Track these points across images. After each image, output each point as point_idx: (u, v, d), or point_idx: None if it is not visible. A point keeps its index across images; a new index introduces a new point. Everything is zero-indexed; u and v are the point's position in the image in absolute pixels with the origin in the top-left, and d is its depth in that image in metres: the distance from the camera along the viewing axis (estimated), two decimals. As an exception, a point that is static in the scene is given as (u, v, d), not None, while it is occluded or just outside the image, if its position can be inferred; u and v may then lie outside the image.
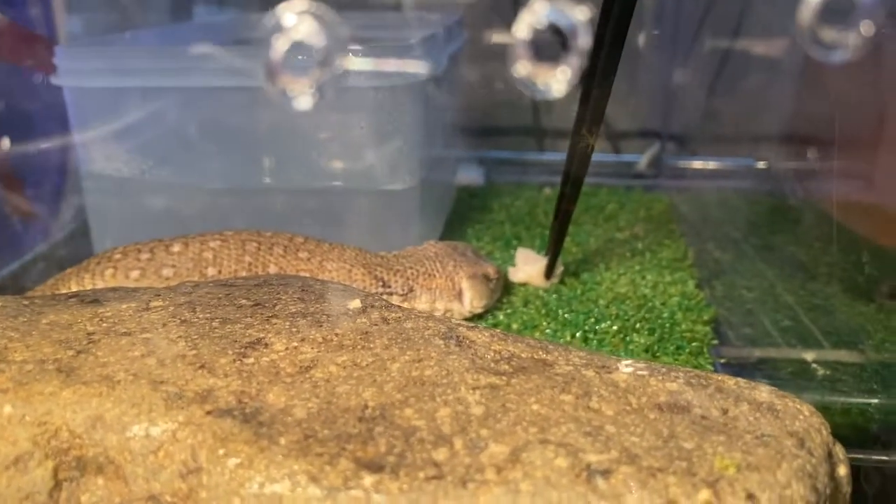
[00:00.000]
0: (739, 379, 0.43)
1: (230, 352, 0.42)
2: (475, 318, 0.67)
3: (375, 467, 0.34)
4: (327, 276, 0.62)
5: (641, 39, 1.05)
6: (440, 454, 0.35)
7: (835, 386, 0.60)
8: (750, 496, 0.33)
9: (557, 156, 1.07)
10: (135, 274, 0.61)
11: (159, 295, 0.50)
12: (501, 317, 0.68)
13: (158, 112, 0.68)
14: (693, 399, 0.40)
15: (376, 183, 0.69)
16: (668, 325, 0.66)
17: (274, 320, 0.46)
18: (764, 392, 0.41)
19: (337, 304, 0.49)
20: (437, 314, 0.61)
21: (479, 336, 0.45)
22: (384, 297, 0.62)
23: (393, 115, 0.67)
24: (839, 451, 0.40)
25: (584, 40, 0.27)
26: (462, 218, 0.92)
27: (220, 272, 0.61)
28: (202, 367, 0.41)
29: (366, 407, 0.38)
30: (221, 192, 0.71)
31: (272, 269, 0.62)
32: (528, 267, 0.73)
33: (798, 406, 0.40)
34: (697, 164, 1.08)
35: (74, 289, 0.62)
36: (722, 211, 0.99)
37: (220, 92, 0.67)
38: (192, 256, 0.62)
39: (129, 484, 0.37)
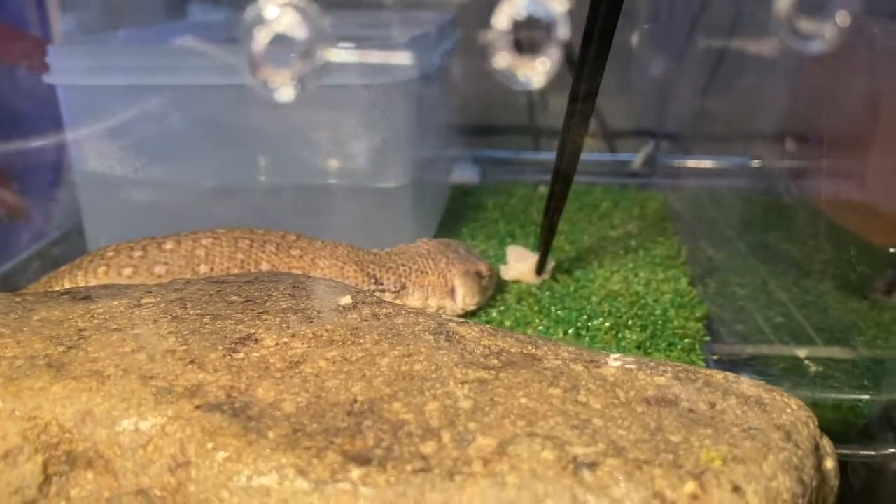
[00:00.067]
0: (728, 373, 0.43)
1: (220, 347, 0.43)
2: (468, 315, 0.67)
3: (363, 460, 0.34)
4: (320, 274, 0.63)
5: (635, 38, 1.05)
6: (428, 447, 0.35)
7: (826, 382, 0.61)
8: (736, 488, 0.34)
9: (553, 155, 1.07)
10: (127, 271, 0.61)
11: (151, 292, 0.50)
12: (494, 314, 0.68)
13: (151, 110, 0.68)
14: (681, 393, 0.40)
15: (368, 181, 0.70)
16: (660, 321, 0.66)
17: (265, 316, 0.46)
18: (752, 386, 0.42)
19: (327, 300, 0.49)
20: (430, 311, 0.61)
21: (469, 331, 0.45)
22: (377, 294, 0.62)
23: (385, 114, 0.67)
24: (826, 444, 0.40)
25: (563, 31, 0.28)
26: (457, 216, 0.92)
27: (212, 269, 0.62)
28: (192, 362, 0.41)
29: (355, 401, 0.38)
30: (214, 190, 0.71)
31: (264, 267, 0.62)
32: (519, 264, 0.73)
33: (785, 400, 0.41)
34: (692, 162, 1.08)
35: (67, 286, 0.62)
36: (716, 209, 0.99)
37: (212, 89, 0.67)
38: (184, 254, 0.62)
39: (119, 478, 0.37)
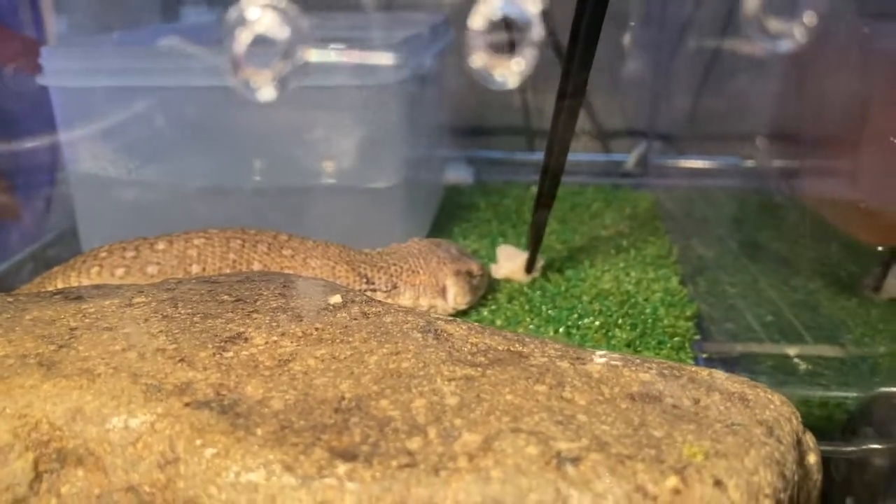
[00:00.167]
0: (712, 370, 0.43)
1: (210, 346, 0.43)
2: (459, 314, 0.68)
3: (349, 456, 0.35)
4: (311, 273, 0.63)
5: (627, 39, 1.06)
6: (414, 443, 0.36)
7: (815, 380, 0.61)
8: (717, 482, 0.34)
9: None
10: (120, 272, 0.62)
11: (142, 291, 0.51)
12: (486, 313, 0.69)
13: (144, 112, 0.69)
14: (665, 389, 0.40)
15: (360, 181, 0.70)
16: (650, 320, 0.67)
17: (255, 315, 0.47)
18: (736, 382, 0.42)
19: (317, 299, 0.49)
20: (421, 310, 0.61)
21: (457, 329, 0.46)
22: (368, 293, 0.62)
23: (376, 114, 0.67)
24: (809, 439, 0.41)
25: (538, 32, 0.28)
26: (450, 216, 0.93)
27: (204, 269, 0.62)
28: (182, 360, 0.41)
29: (342, 398, 0.39)
30: (207, 191, 0.72)
31: (256, 267, 0.62)
32: (509, 263, 0.74)
33: (769, 396, 0.41)
34: (684, 162, 1.08)
35: (60, 286, 0.62)
36: (707, 208, 1.00)
37: (205, 91, 0.68)
38: (176, 254, 0.62)
39: (109, 475, 0.38)
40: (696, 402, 0.40)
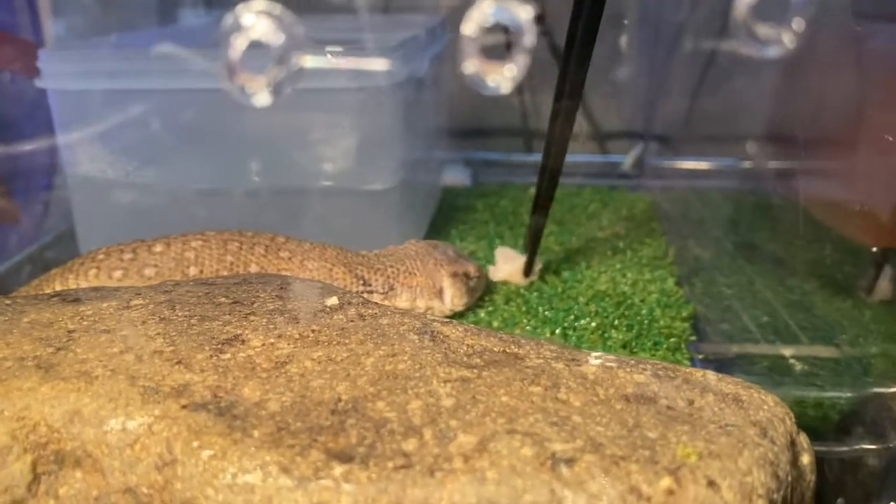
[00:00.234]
0: (707, 371, 0.44)
1: (207, 348, 0.43)
2: (456, 315, 0.68)
3: (345, 458, 0.35)
4: (308, 276, 0.63)
5: (624, 41, 1.06)
6: (410, 444, 0.36)
7: (810, 380, 0.61)
8: (711, 483, 0.34)
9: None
10: (118, 274, 0.62)
11: (140, 294, 0.51)
12: (483, 314, 0.69)
13: (142, 114, 0.69)
14: (659, 390, 0.41)
15: (357, 183, 0.70)
16: (646, 321, 0.67)
17: (252, 317, 0.47)
18: (730, 383, 0.42)
19: (314, 301, 0.50)
20: (418, 312, 0.62)
21: (453, 331, 0.46)
22: (365, 295, 0.63)
23: (373, 117, 0.67)
24: (803, 440, 0.41)
25: (529, 38, 0.28)
26: (447, 218, 0.93)
27: (201, 271, 0.62)
28: (179, 362, 0.42)
29: (339, 400, 0.39)
30: (204, 194, 0.72)
31: (253, 269, 0.63)
32: (507, 265, 0.74)
33: (763, 397, 0.41)
34: (680, 163, 1.09)
35: (58, 288, 0.62)
36: (703, 210, 1.00)
37: (202, 94, 0.68)
38: (174, 256, 0.62)
39: (107, 477, 0.38)
40: (691, 403, 0.40)
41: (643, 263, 0.79)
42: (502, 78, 0.29)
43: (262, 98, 0.33)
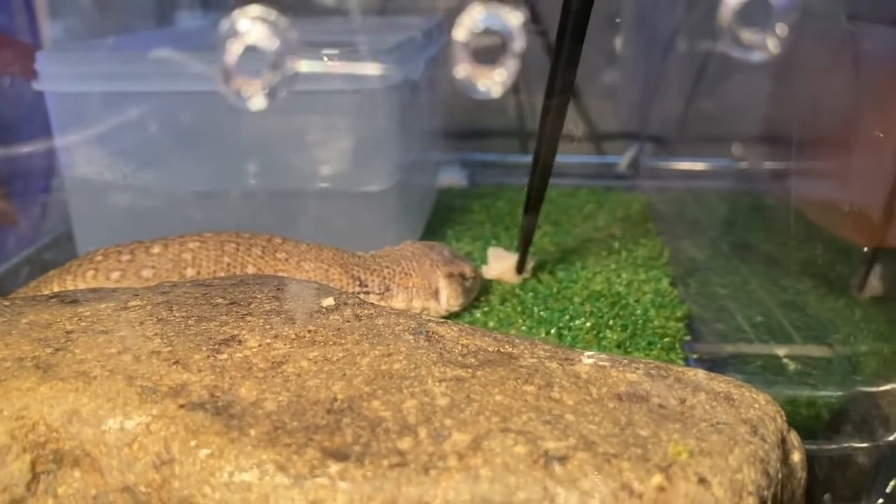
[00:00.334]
0: (699, 370, 0.44)
1: (204, 348, 0.44)
2: (452, 316, 0.68)
3: (341, 456, 0.35)
4: (305, 276, 0.64)
5: (619, 42, 1.07)
6: (404, 443, 0.36)
7: (803, 379, 0.62)
8: (701, 480, 0.35)
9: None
10: (115, 275, 0.62)
11: (137, 295, 0.51)
12: (479, 315, 0.70)
13: (139, 117, 0.69)
14: (652, 389, 0.41)
15: (353, 185, 0.71)
16: (640, 321, 0.68)
17: (248, 318, 0.48)
18: (722, 382, 0.43)
19: (310, 301, 0.50)
20: (414, 312, 0.62)
21: (448, 331, 0.47)
22: (361, 296, 0.63)
23: (369, 118, 0.68)
24: (794, 438, 0.41)
25: (519, 44, 0.29)
26: (443, 219, 0.93)
27: (198, 273, 0.63)
28: (177, 362, 0.42)
29: (335, 399, 0.40)
30: (201, 195, 0.72)
31: (250, 270, 0.63)
32: (499, 264, 0.75)
33: (754, 395, 0.42)
34: (675, 164, 1.09)
35: (56, 290, 0.63)
36: (699, 210, 1.00)
37: (199, 96, 0.68)
38: (171, 257, 0.63)
39: (105, 476, 0.38)
40: (683, 401, 0.41)
41: (638, 264, 0.80)
42: (493, 82, 0.30)
43: (258, 102, 0.33)
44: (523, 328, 0.67)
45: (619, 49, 1.07)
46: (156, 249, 0.64)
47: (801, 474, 0.41)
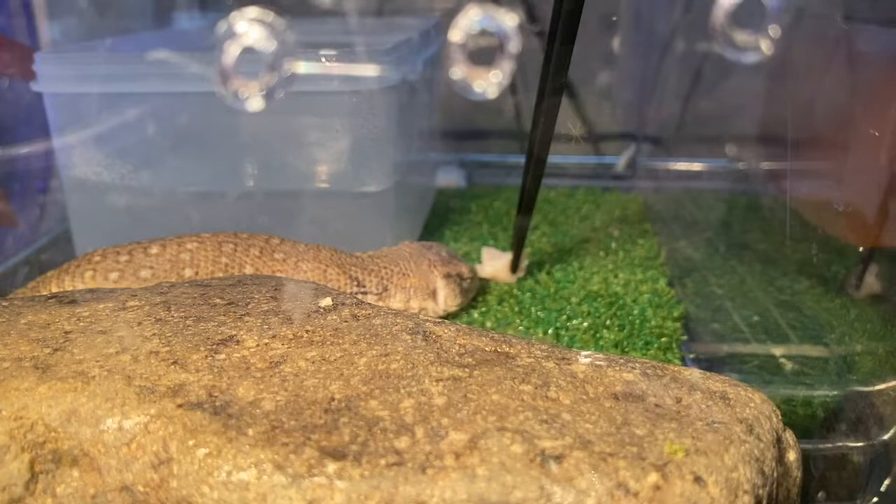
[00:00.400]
0: (695, 369, 0.44)
1: (203, 348, 0.44)
2: (450, 316, 0.68)
3: (339, 455, 0.36)
4: (303, 277, 0.64)
5: (616, 44, 1.07)
6: (402, 442, 0.37)
7: (800, 379, 0.62)
8: (697, 479, 0.35)
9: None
10: (113, 276, 0.62)
11: (135, 295, 0.51)
12: (476, 315, 0.70)
13: (137, 117, 0.69)
14: (648, 388, 0.41)
15: (351, 185, 0.71)
16: (637, 321, 0.68)
17: (246, 318, 0.48)
18: (717, 382, 0.43)
19: (308, 302, 0.50)
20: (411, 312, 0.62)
21: (445, 331, 0.47)
22: (358, 296, 0.63)
23: (367, 119, 0.68)
24: (790, 437, 0.42)
25: (515, 45, 0.29)
26: (441, 219, 0.93)
27: (196, 273, 0.63)
28: (175, 363, 0.42)
29: (332, 399, 0.40)
30: (199, 196, 0.72)
31: (248, 270, 0.63)
32: (493, 263, 0.75)
33: (750, 395, 0.42)
34: (672, 164, 1.10)
35: (55, 290, 0.63)
36: (696, 210, 1.01)
37: (197, 97, 0.69)
38: (169, 258, 0.63)
39: (103, 475, 0.38)
40: (679, 400, 0.41)
41: (635, 264, 0.80)
42: (489, 83, 0.30)
43: (255, 103, 0.34)
44: (521, 328, 0.67)
45: (616, 50, 1.07)
46: (154, 250, 0.64)
47: (797, 473, 0.41)
